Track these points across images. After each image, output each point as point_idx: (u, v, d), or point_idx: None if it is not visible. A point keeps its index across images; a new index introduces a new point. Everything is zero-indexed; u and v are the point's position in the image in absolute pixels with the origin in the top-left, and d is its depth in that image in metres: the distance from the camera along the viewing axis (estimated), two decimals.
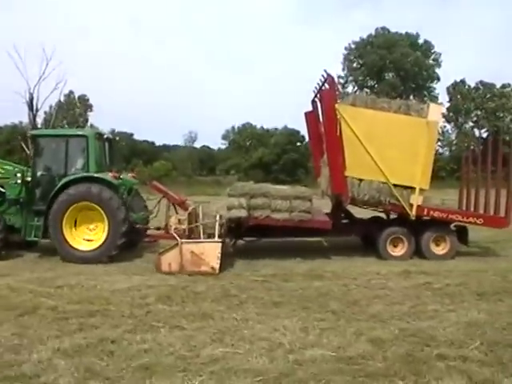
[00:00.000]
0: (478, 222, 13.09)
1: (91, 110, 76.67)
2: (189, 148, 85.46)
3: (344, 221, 14.02)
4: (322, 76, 12.84)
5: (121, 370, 5.87)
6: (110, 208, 12.63)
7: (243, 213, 12.34)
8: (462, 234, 13.48)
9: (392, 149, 12.41)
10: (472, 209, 14.02)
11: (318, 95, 13.51)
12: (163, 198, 14.09)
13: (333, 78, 12.45)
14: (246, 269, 11.76)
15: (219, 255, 11.25)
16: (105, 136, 14.47)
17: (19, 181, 13.43)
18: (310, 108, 15.15)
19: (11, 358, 6.26)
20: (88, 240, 13.03)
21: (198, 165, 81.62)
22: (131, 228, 13.21)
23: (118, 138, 15.81)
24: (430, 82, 74.41)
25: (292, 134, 70.52)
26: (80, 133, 13.98)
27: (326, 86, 12.62)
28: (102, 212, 12.68)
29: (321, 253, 13.59)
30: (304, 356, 6.26)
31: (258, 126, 77.71)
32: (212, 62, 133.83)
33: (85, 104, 75.93)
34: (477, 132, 72.93)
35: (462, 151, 14.13)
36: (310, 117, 15.02)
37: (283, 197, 12.50)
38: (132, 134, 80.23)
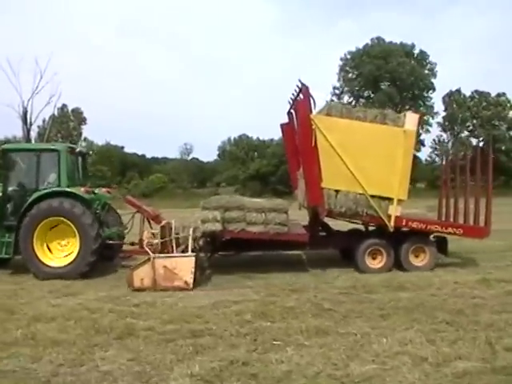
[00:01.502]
0: (457, 232, 12.83)
1: (85, 123, 76.83)
2: (181, 160, 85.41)
3: (322, 233, 13.74)
4: (297, 86, 12.62)
5: None
6: (82, 224, 12.37)
7: (217, 226, 12.07)
8: (441, 244, 13.25)
9: (368, 159, 12.18)
10: (452, 219, 13.76)
11: (293, 106, 13.27)
12: (137, 213, 13.86)
13: (307, 88, 12.20)
14: (313, 281, 11.65)
15: (193, 270, 11.03)
16: (77, 150, 14.26)
17: None
18: (286, 120, 14.95)
19: None
20: (59, 256, 12.77)
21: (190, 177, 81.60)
22: (105, 244, 13.02)
23: (91, 152, 15.54)
24: (425, 91, 74.36)
25: None
26: (52, 147, 13.74)
27: (301, 96, 12.38)
28: (74, 228, 12.43)
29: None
30: (457, 369, 6.19)
31: (255, 138, 77.64)
32: (205, 75, 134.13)
33: (78, 117, 76.01)
34: (473, 141, 72.70)
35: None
36: (286, 128, 14.83)
37: (258, 209, 12.25)
38: (123, 147, 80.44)
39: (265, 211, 12.23)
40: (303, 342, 7.27)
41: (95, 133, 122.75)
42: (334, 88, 77.32)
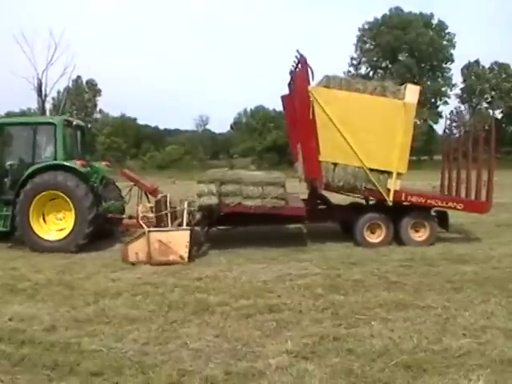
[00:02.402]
0: (458, 207, 12.58)
1: (100, 95, 76.79)
2: (196, 132, 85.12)
3: (321, 207, 13.58)
4: (296, 57, 12.35)
5: (382, 370, 5.48)
6: (76, 196, 12.34)
7: (213, 200, 11.90)
8: (442, 218, 13.03)
9: (367, 132, 11.89)
10: (454, 193, 13.52)
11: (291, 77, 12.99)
12: (134, 186, 13.82)
13: (305, 60, 11.90)
14: (369, 254, 11.54)
15: (187, 244, 10.93)
16: (74, 123, 14.12)
17: None
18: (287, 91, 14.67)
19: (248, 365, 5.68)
20: (56, 229, 12.80)
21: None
22: (104, 217, 13.04)
23: (89, 126, 15.40)
24: (444, 62, 73.23)
25: None
26: (48, 120, 13.72)
27: (299, 67, 12.11)
28: (69, 200, 12.40)
29: None
30: None
31: (271, 109, 76.73)
32: (219, 47, 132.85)
33: (93, 89, 75.97)
34: (491, 112, 71.74)
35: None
36: (287, 100, 14.54)
37: (255, 183, 12.02)
38: (135, 119, 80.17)
39: (261, 185, 11.99)
40: (386, 315, 7.17)
41: (110, 105, 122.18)
42: (352, 58, 76.81)
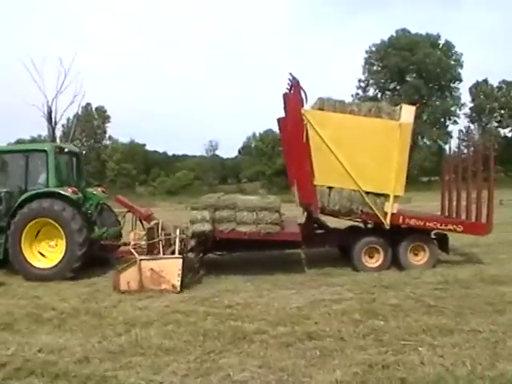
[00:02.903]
0: (457, 229, 12.23)
1: (109, 121, 77.35)
2: (205, 157, 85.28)
3: (318, 231, 13.30)
4: (289, 80, 12.19)
5: None
6: (66, 222, 12.16)
7: (207, 226, 11.69)
8: (442, 241, 12.69)
9: (363, 154, 11.67)
10: (454, 215, 13.21)
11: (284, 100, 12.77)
12: (128, 213, 13.69)
13: (298, 82, 11.76)
14: (400, 277, 11.30)
15: (180, 272, 10.62)
16: (66, 150, 13.98)
17: None
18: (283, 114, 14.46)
19: None
20: (48, 258, 12.60)
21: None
22: (98, 244, 12.93)
23: (84, 152, 15.33)
24: (452, 82, 73.13)
25: None
26: (39, 147, 13.57)
27: (292, 90, 11.94)
28: (59, 227, 12.24)
29: None
30: None
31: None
32: (225, 73, 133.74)
33: (102, 115, 76.56)
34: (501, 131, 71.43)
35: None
36: (283, 123, 14.34)
37: (249, 208, 11.80)
38: (144, 145, 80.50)
39: (255, 210, 11.75)
40: (432, 341, 6.95)
41: (119, 131, 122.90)
42: (360, 81, 76.89)
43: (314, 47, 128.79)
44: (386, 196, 11.86)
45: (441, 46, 73.34)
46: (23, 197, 12.51)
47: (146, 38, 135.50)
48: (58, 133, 66.09)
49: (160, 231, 11.74)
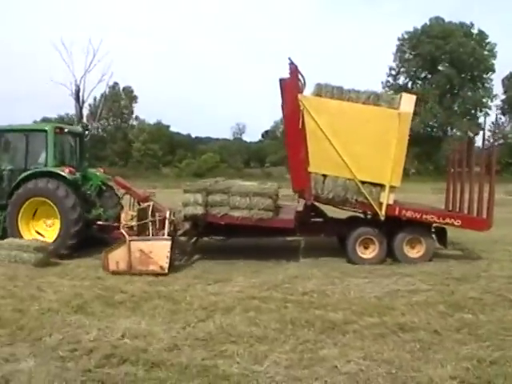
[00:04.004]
0: (455, 223, 11.89)
1: (136, 102, 77.58)
2: (231, 140, 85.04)
3: (316, 220, 13.07)
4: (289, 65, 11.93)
5: None
6: (60, 201, 12.38)
7: (199, 210, 11.68)
8: (440, 235, 12.42)
9: (359, 142, 11.41)
10: (457, 209, 12.86)
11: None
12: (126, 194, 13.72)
13: (296, 67, 11.53)
14: (469, 269, 11.09)
15: (168, 254, 10.67)
16: (66, 130, 14.00)
17: None
18: None
19: None
20: (44, 236, 12.84)
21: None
22: (95, 224, 12.99)
23: (87, 133, 15.36)
24: (485, 73, 71.60)
25: None
26: (39, 127, 13.79)
27: (289, 75, 11.68)
28: (54, 206, 12.45)
29: None
30: None
31: None
32: (253, 57, 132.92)
33: (129, 96, 76.81)
34: None
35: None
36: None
37: (242, 193, 11.70)
38: (169, 126, 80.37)
39: (249, 195, 11.64)
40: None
41: (146, 111, 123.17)
42: (391, 69, 75.75)
43: (343, 33, 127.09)
44: (382, 186, 11.59)
45: (474, 35, 71.75)
46: (22, 176, 12.74)
47: (175, 20, 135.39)
48: (85, 112, 66.90)
49: (150, 213, 11.70)
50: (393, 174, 11.48)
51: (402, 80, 75.63)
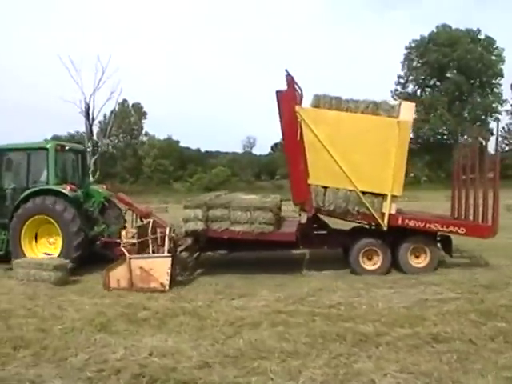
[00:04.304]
0: (459, 231, 11.70)
1: (145, 118, 77.90)
2: (233, 154, 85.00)
3: (319, 232, 12.93)
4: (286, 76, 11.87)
5: None
6: (63, 220, 12.38)
7: (200, 225, 11.62)
8: (445, 243, 12.26)
9: (359, 152, 11.31)
10: (463, 216, 12.69)
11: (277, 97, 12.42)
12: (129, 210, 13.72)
13: (292, 78, 11.47)
14: (491, 276, 11.00)
15: (169, 271, 10.61)
16: (67, 148, 14.07)
17: None
18: None
19: None
20: (47, 253, 12.82)
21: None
22: (99, 241, 12.85)
23: (88, 149, 15.44)
24: (494, 78, 71.35)
25: None
26: (40, 145, 13.73)
27: (286, 86, 11.61)
28: (56, 225, 12.45)
29: None
30: None
31: None
32: (260, 69, 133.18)
33: (139, 112, 77.15)
34: None
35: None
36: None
37: (243, 208, 11.62)
38: (178, 141, 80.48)
39: (249, 210, 11.56)
40: None
41: (155, 127, 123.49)
42: (399, 77, 75.65)
43: (350, 42, 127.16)
44: (384, 196, 11.45)
45: (481, 41, 71.64)
46: (24, 194, 12.78)
47: (183, 35, 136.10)
48: (95, 129, 67.25)
49: (151, 230, 11.65)
50: (394, 183, 11.35)
51: (410, 88, 75.61)
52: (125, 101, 74.62)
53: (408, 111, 11.46)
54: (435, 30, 73.30)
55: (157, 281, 10.58)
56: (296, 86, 11.72)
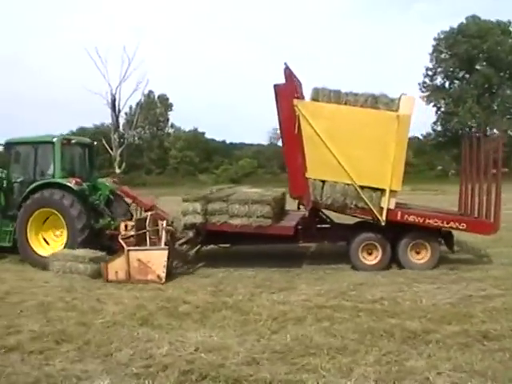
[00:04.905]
0: (460, 227, 11.55)
1: (171, 110, 78.04)
2: (258, 145, 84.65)
3: (323, 226, 12.87)
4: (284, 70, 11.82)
5: None
6: (67, 213, 12.55)
7: (198, 218, 11.70)
8: (447, 238, 12.12)
9: (357, 146, 11.23)
10: (468, 211, 12.52)
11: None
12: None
13: (290, 72, 11.42)
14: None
15: (165, 263, 10.77)
16: (73, 141, 14.28)
17: None
18: None
19: None
20: (51, 245, 13.08)
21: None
22: (105, 233, 13.13)
23: (95, 143, 15.59)
24: None
25: None
26: (47, 139, 13.88)
27: (284, 80, 11.56)
28: (62, 219, 12.62)
29: None
30: None
31: None
32: (289, 60, 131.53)
33: (165, 103, 77.34)
34: None
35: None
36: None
37: (241, 201, 11.68)
38: (204, 133, 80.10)
39: (247, 203, 11.60)
40: None
41: (181, 119, 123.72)
42: (427, 69, 74.42)
43: (377, 34, 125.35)
44: (383, 191, 11.34)
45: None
46: (30, 187, 13.03)
47: (209, 27, 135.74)
48: (122, 121, 67.79)
49: (152, 222, 11.74)
50: (393, 177, 11.25)
51: (439, 80, 74.31)
52: (151, 92, 74.85)
53: (408, 105, 11.31)
54: (464, 22, 71.90)
55: (154, 273, 10.75)
56: (295, 79, 11.65)
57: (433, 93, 72.04)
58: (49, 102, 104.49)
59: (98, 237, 12.97)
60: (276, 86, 11.51)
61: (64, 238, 12.70)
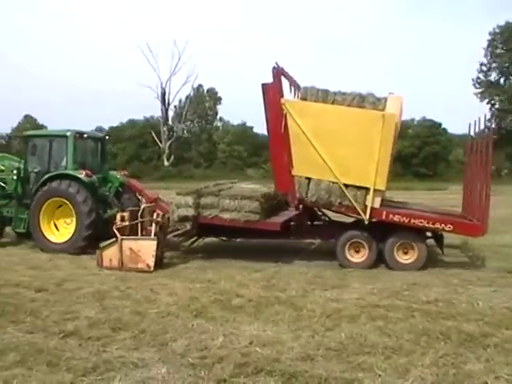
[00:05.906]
0: (446, 228, 11.45)
1: (220, 103, 78.54)
2: None
3: (316, 223, 13.14)
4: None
5: None
6: (77, 202, 13.42)
7: (190, 211, 12.15)
8: (437, 239, 12.17)
9: (343, 145, 11.33)
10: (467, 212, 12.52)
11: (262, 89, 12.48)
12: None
13: (278, 70, 11.65)
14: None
15: (154, 253, 11.37)
16: (85, 136, 15.11)
17: (15, 177, 14.73)
18: None
19: None
20: (64, 233, 14.02)
21: None
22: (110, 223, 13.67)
23: (107, 137, 16.34)
24: None
25: (433, 126, 66.73)
26: (61, 133, 14.81)
27: (272, 78, 11.80)
28: (71, 206, 13.53)
29: None
30: None
31: None
32: (333, 58, 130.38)
33: (213, 97, 77.83)
34: None
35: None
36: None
37: (231, 196, 12.07)
38: (252, 127, 79.07)
39: (237, 198, 11.97)
40: None
41: (230, 113, 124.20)
42: (481, 64, 72.56)
43: (430, 29, 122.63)
44: (367, 189, 11.46)
45: None
46: (44, 177, 14.00)
47: (256, 21, 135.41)
48: (171, 114, 69.08)
49: (140, 214, 12.27)
50: (377, 176, 11.30)
51: (493, 76, 72.36)
52: (200, 86, 75.58)
53: (395, 104, 11.37)
54: None
55: (143, 262, 11.41)
56: (286, 78, 11.91)
57: (487, 89, 70.19)
58: (100, 93, 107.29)
59: (106, 226, 13.52)
60: (264, 85, 11.77)
61: (73, 225, 13.61)
